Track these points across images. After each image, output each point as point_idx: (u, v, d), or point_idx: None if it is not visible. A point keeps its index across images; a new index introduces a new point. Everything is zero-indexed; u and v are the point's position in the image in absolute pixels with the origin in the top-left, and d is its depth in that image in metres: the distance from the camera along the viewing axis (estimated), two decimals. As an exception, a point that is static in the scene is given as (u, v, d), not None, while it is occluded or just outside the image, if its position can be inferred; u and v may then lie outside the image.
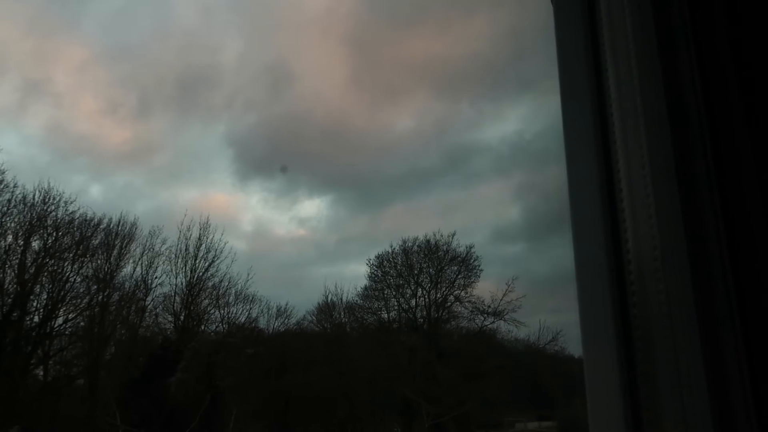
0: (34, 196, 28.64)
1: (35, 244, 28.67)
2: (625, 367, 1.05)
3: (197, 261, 31.09)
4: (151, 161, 38.83)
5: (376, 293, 33.54)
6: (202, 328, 31.13)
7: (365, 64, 35.72)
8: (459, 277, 32.58)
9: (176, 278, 30.80)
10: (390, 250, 33.29)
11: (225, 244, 31.36)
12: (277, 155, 37.35)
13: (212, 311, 31.32)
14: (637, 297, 1.08)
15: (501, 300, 31.00)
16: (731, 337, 0.94)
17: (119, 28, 36.82)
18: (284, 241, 40.15)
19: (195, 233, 31.41)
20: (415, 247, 33.07)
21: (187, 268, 30.98)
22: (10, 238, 27.85)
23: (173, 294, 30.64)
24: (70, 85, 35.58)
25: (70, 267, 29.41)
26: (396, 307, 33.37)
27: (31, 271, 28.36)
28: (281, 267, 40.25)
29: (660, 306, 1.02)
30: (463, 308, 32.48)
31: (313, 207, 41.16)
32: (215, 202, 38.79)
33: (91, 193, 37.14)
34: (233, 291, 31.17)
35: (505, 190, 37.93)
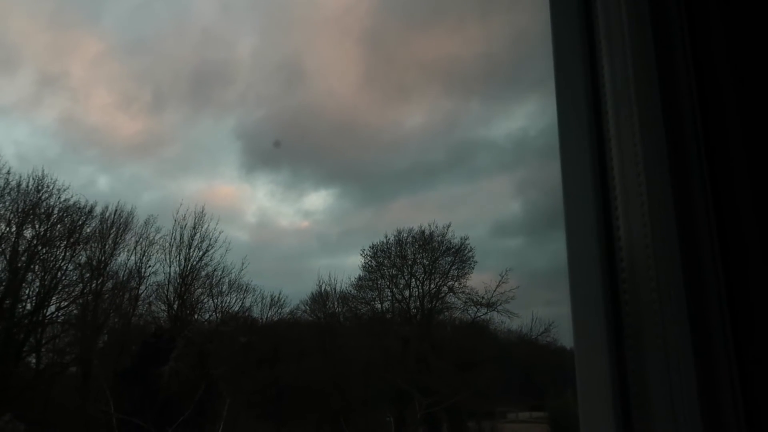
0: (27, 183, 28.50)
1: (28, 232, 28.55)
2: (615, 361, 1.07)
3: (191, 250, 31.02)
4: (160, 153, 38.90)
5: (370, 284, 33.57)
6: (196, 316, 31.11)
7: (380, 63, 35.88)
8: (453, 268, 32.65)
9: (170, 267, 30.75)
10: (384, 241, 33.32)
11: (220, 233, 31.27)
12: (287, 149, 37.57)
13: (206, 300, 31.31)
14: (629, 289, 1.09)
15: (494, 291, 31.12)
16: (721, 334, 0.96)
17: (137, 24, 36.85)
18: (287, 232, 40.27)
19: (190, 222, 31.33)
20: (410, 238, 33.12)
21: (181, 257, 30.91)
22: (2, 225, 27.73)
23: (167, 283, 30.60)
24: (85, 78, 35.80)
25: (63, 255, 29.30)
26: (389, 298, 33.44)
27: (24, 258, 28.23)
28: (283, 258, 40.49)
29: (651, 302, 1.04)
30: (456, 299, 32.59)
31: (319, 199, 41.31)
32: (221, 193, 38.91)
33: (98, 184, 37.32)
34: (227, 280, 31.16)
35: (508, 184, 38.21)
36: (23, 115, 35.28)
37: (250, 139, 36.88)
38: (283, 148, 37.23)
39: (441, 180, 41.08)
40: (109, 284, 30.35)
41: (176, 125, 37.47)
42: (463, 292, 32.23)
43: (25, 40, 34.08)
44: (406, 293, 33.04)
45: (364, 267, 33.56)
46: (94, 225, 30.34)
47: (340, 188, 41.65)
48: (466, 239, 32.35)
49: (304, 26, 36.32)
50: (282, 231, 40.03)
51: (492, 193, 38.01)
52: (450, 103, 36.87)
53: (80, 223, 29.84)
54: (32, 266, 28.51)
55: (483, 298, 31.52)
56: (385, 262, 33.47)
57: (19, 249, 28.14)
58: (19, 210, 28.28)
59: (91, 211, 30.04)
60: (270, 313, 32.91)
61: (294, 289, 45.34)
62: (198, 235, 31.13)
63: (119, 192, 38.41)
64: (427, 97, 36.91)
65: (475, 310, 32.17)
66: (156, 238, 31.17)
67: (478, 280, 32.15)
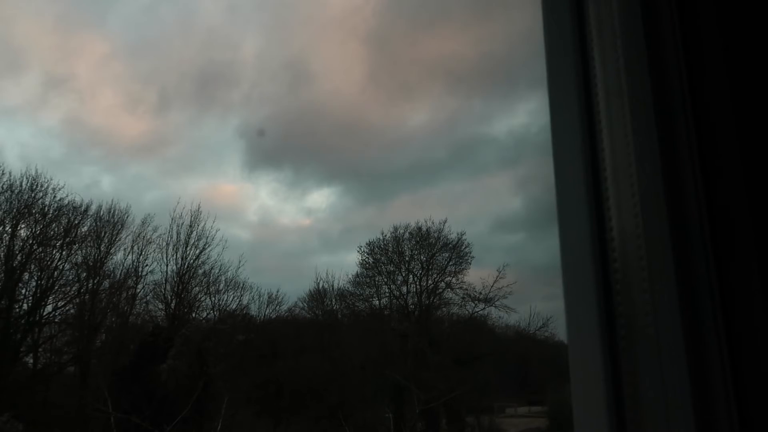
0: (21, 182, 28.42)
1: (23, 232, 28.49)
2: (608, 359, 1.06)
3: (188, 248, 31.00)
4: (164, 153, 39.35)
5: (368, 280, 33.62)
6: (193, 315, 31.10)
7: (384, 63, 36.20)
8: (450, 263, 32.72)
9: (167, 266, 30.73)
10: (381, 238, 33.34)
11: (217, 231, 31.26)
12: (290, 148, 38.10)
13: (203, 298, 31.31)
14: (621, 290, 1.08)
15: (492, 287, 31.19)
16: (714, 331, 0.95)
17: (143, 25, 37.22)
18: (289, 230, 40.59)
19: (187, 221, 31.29)
20: (407, 234, 33.15)
21: (178, 255, 30.89)
22: (-3, 225, 27.64)
23: (164, 281, 30.58)
24: (91, 79, 36.30)
25: (59, 254, 29.26)
26: (387, 294, 33.49)
27: (19, 258, 28.17)
28: (284, 256, 40.90)
29: (644, 300, 1.03)
30: (454, 295, 32.67)
31: (321, 197, 41.72)
32: (223, 192, 39.20)
33: (102, 185, 38.01)
34: (224, 278, 31.15)
35: (509, 181, 38.61)
36: (28, 117, 35.77)
37: (254, 138, 37.14)
38: (287, 147, 37.74)
39: (443, 177, 41.54)
40: (106, 283, 30.32)
41: (181, 125, 37.81)
42: (461, 287, 32.33)
43: (32, 42, 34.44)
44: (404, 289, 33.11)
45: (361, 264, 33.64)
46: (89, 224, 30.33)
47: (343, 186, 41.95)
48: (462, 235, 32.43)
49: (309, 26, 36.66)
50: (284, 229, 40.34)
51: (493, 189, 38.39)
52: (453, 101, 37.16)
53: (76, 222, 29.81)
54: (28, 266, 28.46)
55: (480, 293, 31.62)
56: (383, 258, 33.52)
57: (15, 249, 28.08)
58: (14, 209, 28.21)
59: (86, 210, 30.02)
60: (268, 311, 32.96)
61: (295, 286, 45.83)
62: (195, 233, 31.14)
63: (122, 192, 38.89)
64: (431, 96, 37.22)
65: (473, 305, 32.27)
66: (153, 236, 31.18)
67: (478, 275, 32.33)
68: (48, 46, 34.95)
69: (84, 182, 38.65)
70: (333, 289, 33.97)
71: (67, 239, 29.42)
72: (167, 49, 36.65)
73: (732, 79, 1.06)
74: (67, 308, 29.61)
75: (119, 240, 30.76)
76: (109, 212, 30.67)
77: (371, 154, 39.01)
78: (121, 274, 30.57)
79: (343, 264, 52.30)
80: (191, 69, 37.19)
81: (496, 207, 39.66)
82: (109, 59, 35.41)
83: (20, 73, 35.55)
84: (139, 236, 31.00)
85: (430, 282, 32.91)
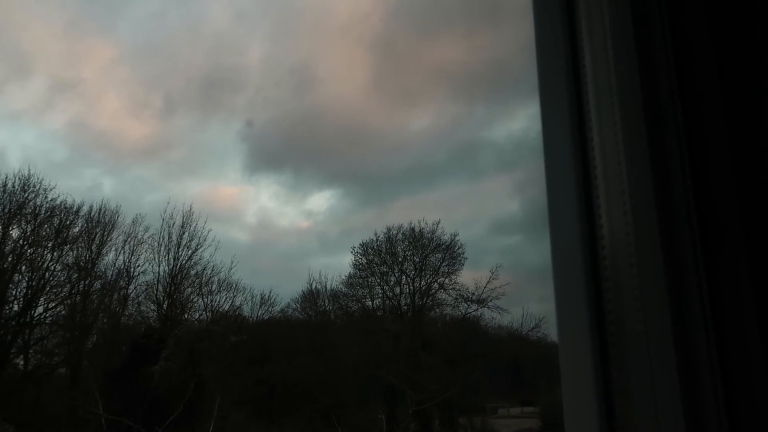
0: (13, 183, 28.22)
1: (14, 232, 28.30)
2: (599, 361, 1.06)
3: (180, 249, 30.87)
4: (166, 156, 39.79)
5: (361, 281, 33.59)
6: (186, 316, 30.97)
7: (389, 69, 36.60)
8: (443, 264, 32.74)
9: (159, 266, 30.59)
10: (374, 238, 33.32)
11: (209, 231, 31.15)
12: (291, 151, 38.56)
13: (195, 299, 31.18)
14: (611, 287, 1.09)
15: (484, 288, 31.23)
16: (703, 331, 0.96)
17: (151, 30, 37.61)
18: (288, 232, 40.87)
19: (178, 221, 31.16)
20: (400, 235, 33.14)
21: (170, 256, 30.75)
22: (-12, 226, 27.42)
23: (156, 282, 30.43)
24: (97, 84, 36.65)
25: (50, 255, 29.06)
26: (380, 295, 33.47)
27: (10, 259, 27.96)
28: (282, 258, 41.18)
29: (634, 300, 1.03)
30: (447, 296, 32.69)
31: (321, 200, 42.05)
32: (223, 195, 39.50)
33: (103, 187, 38.76)
34: (216, 279, 31.04)
35: (508, 184, 39.03)
36: (33, 120, 36.00)
37: (256, 141, 37.49)
38: (288, 150, 38.42)
39: (442, 180, 42.19)
40: (98, 284, 30.16)
41: (184, 129, 38.17)
42: (454, 288, 32.35)
43: (41, 46, 34.72)
44: (397, 290, 33.09)
45: (354, 265, 33.60)
46: (81, 225, 30.16)
47: (343, 189, 42.27)
48: (456, 236, 32.45)
49: (316, 33, 36.96)
50: (283, 231, 40.61)
51: (491, 192, 38.80)
52: (455, 106, 37.58)
53: (67, 222, 29.62)
54: (19, 267, 28.25)
55: (473, 294, 31.66)
56: (376, 259, 33.50)
57: (5, 250, 27.87)
58: (5, 210, 28.02)
59: (78, 210, 29.84)
60: (260, 312, 32.88)
61: (292, 288, 46.18)
62: (187, 234, 31.01)
63: (124, 194, 39.00)
64: (433, 101, 37.64)
65: (466, 306, 32.30)
66: (144, 237, 31.03)
67: (473, 276, 32.49)
68: (56, 50, 35.34)
69: (86, 185, 38.77)
70: (326, 290, 33.97)
71: (59, 240, 29.24)
72: (174, 53, 37.03)
73: (722, 81, 1.07)
74: (58, 309, 29.44)
75: (111, 240, 30.64)
76: (100, 212, 30.55)
77: (372, 158, 39.42)
78: (112, 275, 30.44)
79: (342, 266, 52.50)
80: (197, 73, 37.52)
81: (494, 210, 40.13)
82: (116, 64, 35.75)
83: (27, 77, 36.08)
84: (129, 236, 30.90)
85: (423, 283, 32.92)
